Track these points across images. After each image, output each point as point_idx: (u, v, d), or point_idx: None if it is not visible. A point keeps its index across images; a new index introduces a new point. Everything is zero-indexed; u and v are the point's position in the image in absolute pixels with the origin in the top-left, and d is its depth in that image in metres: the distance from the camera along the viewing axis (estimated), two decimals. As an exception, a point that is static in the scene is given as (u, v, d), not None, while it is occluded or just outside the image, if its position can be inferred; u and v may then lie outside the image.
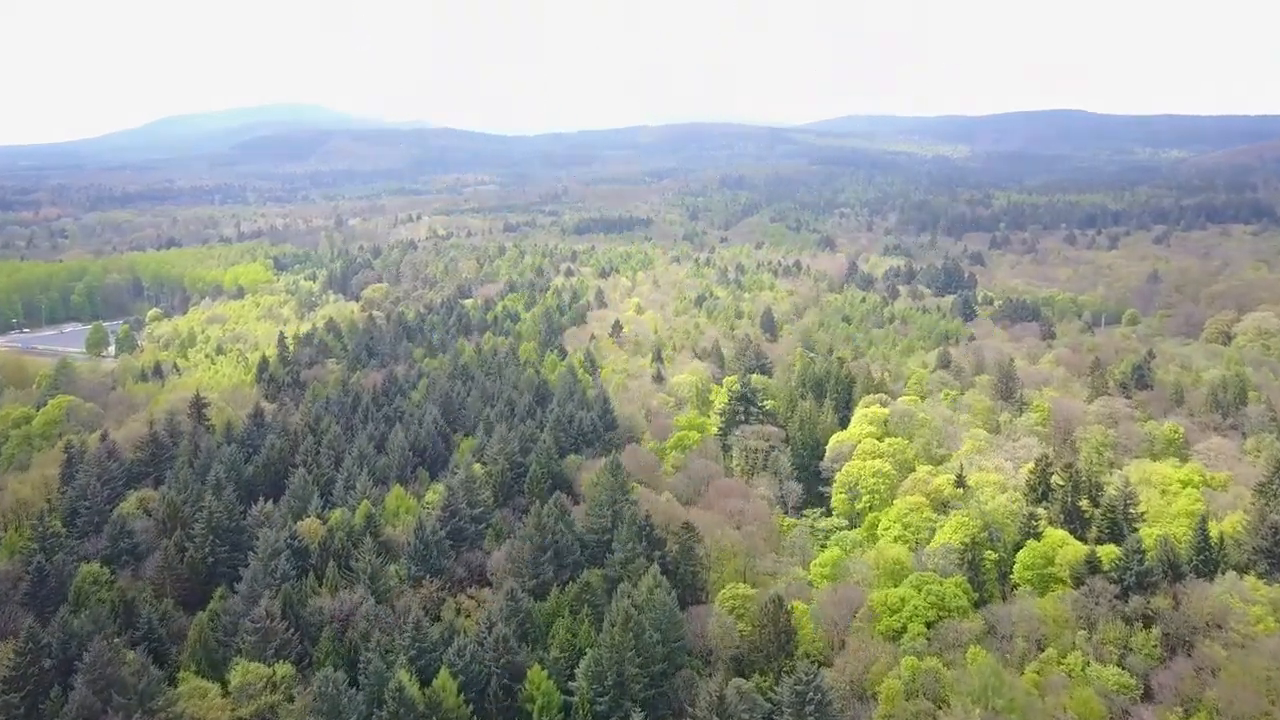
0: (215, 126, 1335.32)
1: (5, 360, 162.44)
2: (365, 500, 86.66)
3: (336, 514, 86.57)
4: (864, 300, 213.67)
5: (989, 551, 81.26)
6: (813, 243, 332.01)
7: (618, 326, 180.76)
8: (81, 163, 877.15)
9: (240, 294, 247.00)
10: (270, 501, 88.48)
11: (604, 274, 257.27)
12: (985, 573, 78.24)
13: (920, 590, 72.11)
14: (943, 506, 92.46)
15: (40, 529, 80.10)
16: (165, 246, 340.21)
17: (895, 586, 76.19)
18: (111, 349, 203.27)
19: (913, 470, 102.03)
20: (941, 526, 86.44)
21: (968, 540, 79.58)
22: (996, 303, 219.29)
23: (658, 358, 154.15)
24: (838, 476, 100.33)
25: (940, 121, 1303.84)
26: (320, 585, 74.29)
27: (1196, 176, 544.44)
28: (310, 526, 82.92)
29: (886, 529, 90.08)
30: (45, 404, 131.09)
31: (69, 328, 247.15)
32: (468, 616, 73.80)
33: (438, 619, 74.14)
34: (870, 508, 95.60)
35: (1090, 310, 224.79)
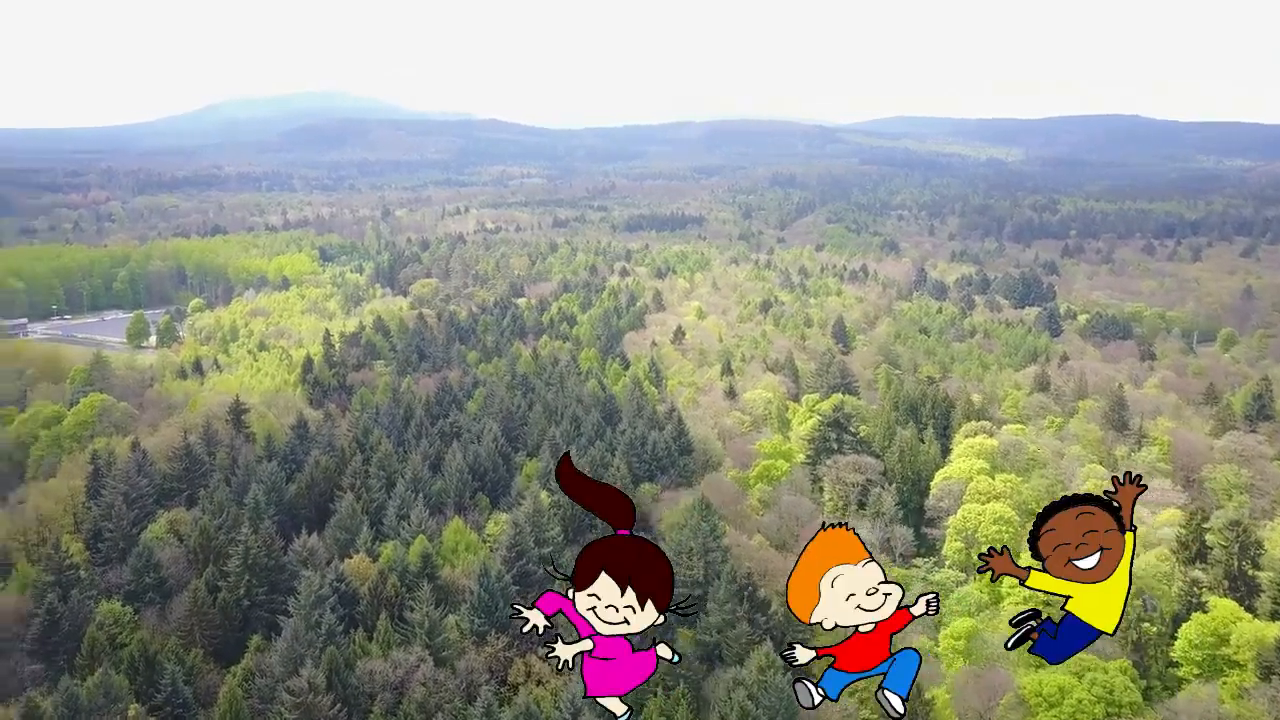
0: (264, 113, 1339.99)
1: (39, 352, 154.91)
2: (421, 535, 76.44)
3: (388, 549, 76.41)
4: (940, 311, 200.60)
5: (1147, 625, 69.31)
6: (875, 246, 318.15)
7: (680, 333, 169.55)
8: (132, 146, 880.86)
9: (285, 285, 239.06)
10: (314, 533, 78.55)
11: (660, 274, 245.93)
12: (1151, 655, 66.30)
13: (1082, 678, 60.26)
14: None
15: (56, 559, 70.72)
16: (211, 233, 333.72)
17: (1039, 667, 64.51)
18: (152, 339, 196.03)
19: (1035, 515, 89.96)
20: (1083, 589, 74.32)
21: (1128, 613, 67.45)
22: (1082, 317, 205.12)
23: (727, 370, 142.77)
24: (951, 522, 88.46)
25: (991, 124, 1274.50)
26: (370, 641, 64.16)
27: (1270, 186, 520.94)
28: (359, 566, 72.85)
29: (1013, 588, 78.00)
30: (77, 402, 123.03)
31: (110, 315, 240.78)
32: (539, 684, 63.33)
33: (503, 683, 63.88)
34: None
35: (1180, 327, 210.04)
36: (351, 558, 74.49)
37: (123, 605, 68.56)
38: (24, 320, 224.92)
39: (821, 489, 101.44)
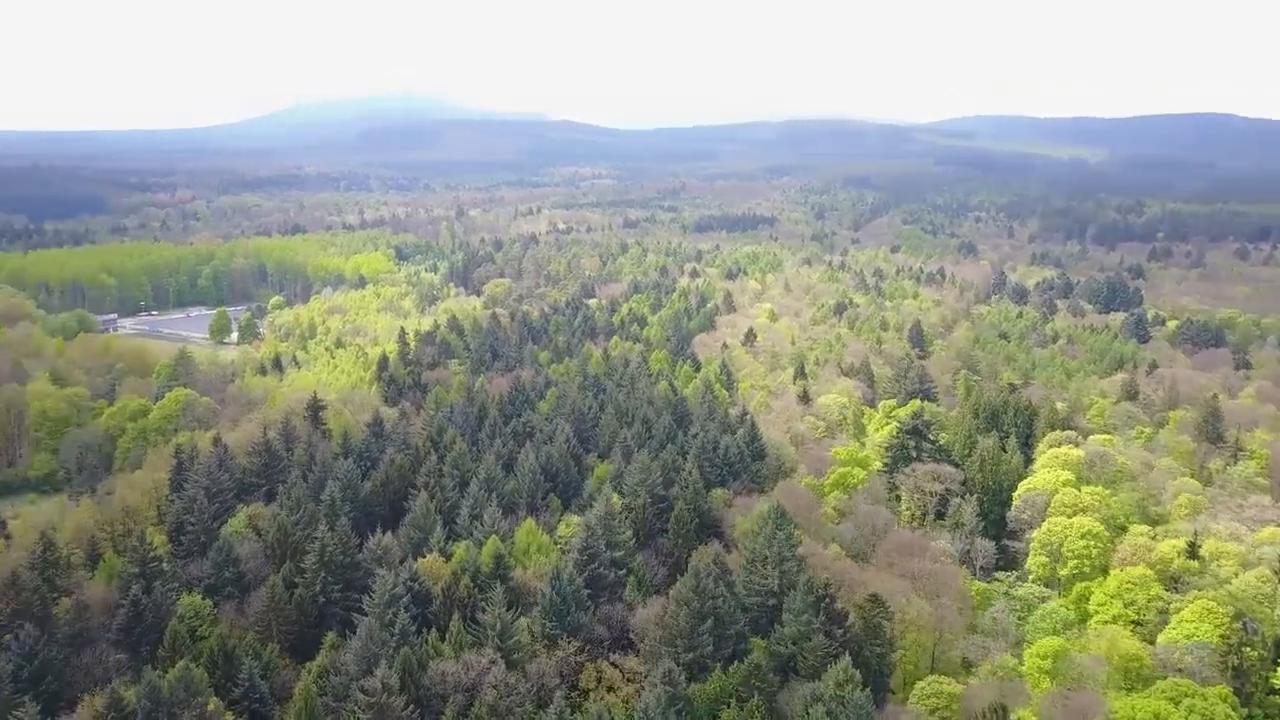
0: (341, 114, 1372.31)
1: (127, 348, 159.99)
2: (494, 536, 76.29)
3: (460, 549, 76.51)
4: (1020, 315, 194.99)
5: (1248, 649, 65.71)
6: (952, 248, 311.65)
7: (751, 335, 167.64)
8: (215, 147, 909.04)
9: (361, 283, 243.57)
10: (388, 531, 79.05)
11: (731, 275, 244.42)
12: (1253, 682, 62.82)
13: (1179, 704, 57.28)
14: (1173, 582, 76.81)
15: (141, 551, 72.32)
16: (291, 232, 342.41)
17: (1130, 690, 61.75)
18: (234, 336, 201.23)
19: (1124, 530, 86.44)
20: (1177, 610, 70.95)
21: (1227, 636, 64.14)
22: (1171, 323, 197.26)
23: (801, 373, 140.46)
24: (1036, 535, 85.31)
25: (1072, 123, 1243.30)
26: (443, 641, 64.09)
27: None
28: (432, 565, 73.01)
29: (1102, 605, 74.90)
30: (163, 396, 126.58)
31: (194, 311, 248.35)
32: (610, 690, 62.62)
33: (574, 688, 63.28)
34: (1078, 576, 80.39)
35: (1276, 335, 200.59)
36: (424, 557, 74.72)
37: (203, 598, 69.79)
38: (114, 315, 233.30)
39: (899, 498, 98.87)
